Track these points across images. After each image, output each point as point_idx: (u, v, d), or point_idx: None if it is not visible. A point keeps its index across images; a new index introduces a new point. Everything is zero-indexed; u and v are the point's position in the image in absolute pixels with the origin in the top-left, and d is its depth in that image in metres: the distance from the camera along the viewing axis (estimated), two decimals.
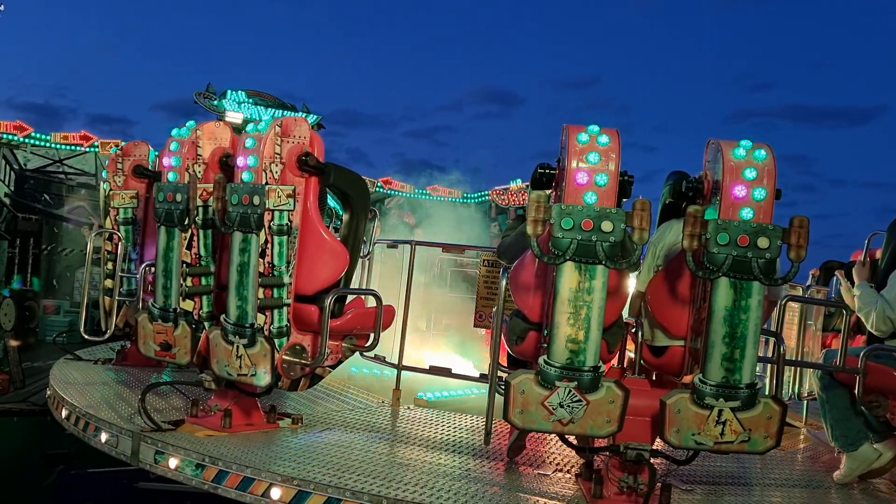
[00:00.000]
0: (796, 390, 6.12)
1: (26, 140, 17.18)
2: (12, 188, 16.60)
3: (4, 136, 16.93)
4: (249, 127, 4.38)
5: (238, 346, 4.28)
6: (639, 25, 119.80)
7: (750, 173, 3.31)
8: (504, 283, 3.82)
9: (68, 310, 15.49)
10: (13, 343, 11.66)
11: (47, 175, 17.70)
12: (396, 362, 6.04)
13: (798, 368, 6.12)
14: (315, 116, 22.69)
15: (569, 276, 3.31)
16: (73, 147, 17.65)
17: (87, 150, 17.74)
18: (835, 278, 5.89)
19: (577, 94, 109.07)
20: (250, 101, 23.74)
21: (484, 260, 6.68)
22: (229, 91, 23.97)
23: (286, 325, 4.34)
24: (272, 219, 4.25)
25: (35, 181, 17.26)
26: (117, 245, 6.14)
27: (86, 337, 6.33)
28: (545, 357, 3.39)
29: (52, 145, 17.53)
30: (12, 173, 16.89)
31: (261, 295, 4.27)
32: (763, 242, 3.24)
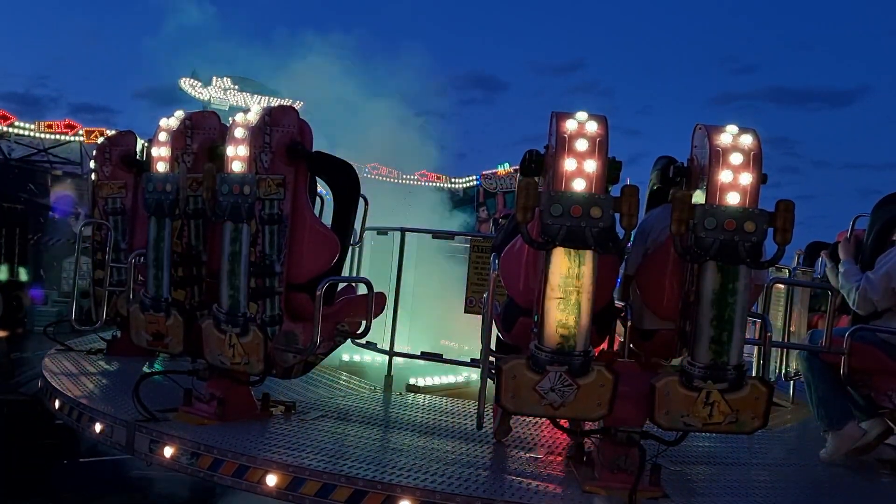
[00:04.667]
0: (783, 371, 6.20)
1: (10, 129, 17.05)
2: None
3: None
4: (238, 116, 4.38)
5: (231, 336, 4.30)
6: (622, 9, 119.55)
7: (736, 158, 3.35)
8: (494, 269, 3.84)
9: (56, 300, 15.41)
10: (1, 333, 11.62)
11: (32, 164, 17.58)
12: (388, 349, 6.07)
13: (784, 349, 6.19)
14: (302, 104, 22.57)
15: (559, 261, 3.33)
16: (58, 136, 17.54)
17: (72, 139, 17.63)
18: (820, 259, 5.94)
19: (561, 79, 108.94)
20: (236, 87, 23.60)
21: (474, 245, 6.69)
22: (214, 77, 23.80)
23: (278, 314, 4.36)
24: (262, 208, 4.26)
25: (20, 171, 17.13)
26: (106, 235, 6.13)
27: (76, 327, 6.32)
28: (536, 342, 3.42)
29: (37, 134, 17.41)
30: None
31: (252, 284, 4.28)
32: (749, 226, 3.29)
